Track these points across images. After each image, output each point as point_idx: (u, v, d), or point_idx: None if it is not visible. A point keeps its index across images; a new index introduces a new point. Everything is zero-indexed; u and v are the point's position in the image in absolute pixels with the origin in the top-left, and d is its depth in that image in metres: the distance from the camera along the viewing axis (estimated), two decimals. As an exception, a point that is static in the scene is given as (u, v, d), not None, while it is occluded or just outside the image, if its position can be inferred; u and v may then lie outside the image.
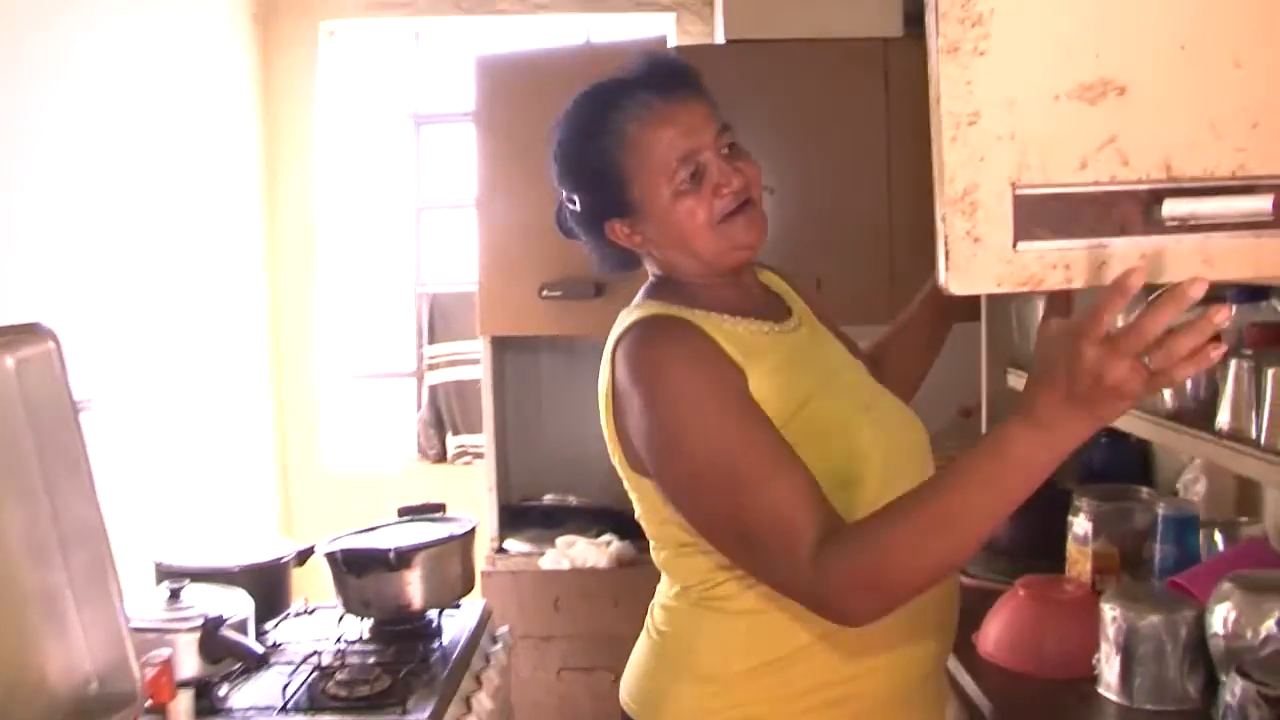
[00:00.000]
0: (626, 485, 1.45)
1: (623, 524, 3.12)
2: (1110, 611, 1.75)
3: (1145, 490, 2.22)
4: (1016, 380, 2.58)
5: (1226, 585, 1.65)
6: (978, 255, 0.95)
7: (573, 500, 3.28)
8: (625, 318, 1.43)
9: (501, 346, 3.13)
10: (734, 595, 1.37)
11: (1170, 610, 1.71)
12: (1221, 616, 1.63)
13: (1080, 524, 2.12)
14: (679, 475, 1.32)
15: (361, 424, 4.13)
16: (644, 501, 1.43)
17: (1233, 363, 1.66)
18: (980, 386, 2.73)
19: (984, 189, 0.95)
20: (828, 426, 1.36)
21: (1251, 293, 1.83)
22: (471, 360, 3.52)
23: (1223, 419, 1.67)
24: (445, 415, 3.62)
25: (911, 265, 2.86)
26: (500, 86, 2.94)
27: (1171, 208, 0.97)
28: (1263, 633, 1.59)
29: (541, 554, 2.97)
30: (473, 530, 2.32)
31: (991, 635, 1.96)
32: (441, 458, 3.75)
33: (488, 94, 2.95)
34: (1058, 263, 0.97)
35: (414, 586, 2.19)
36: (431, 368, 3.63)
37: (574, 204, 1.46)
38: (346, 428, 4.13)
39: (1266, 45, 1.01)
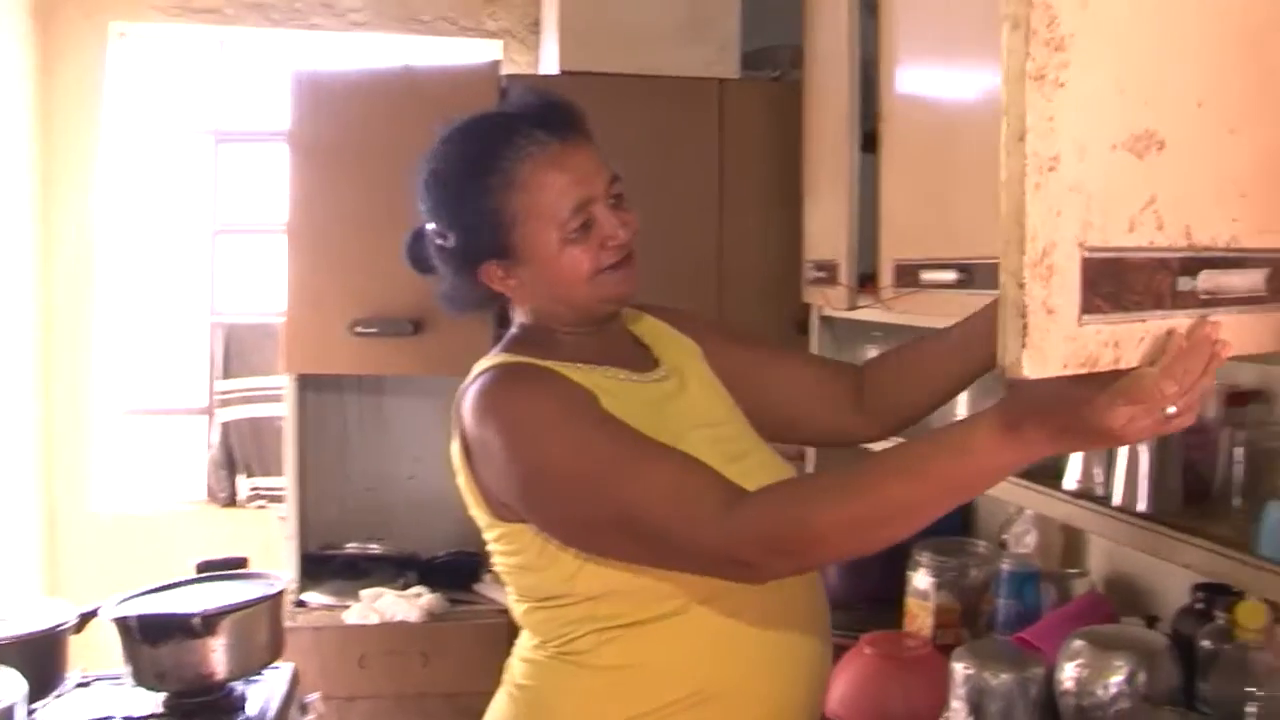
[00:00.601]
0: (491, 538, 1.37)
1: (431, 573, 2.96)
2: (962, 670, 1.74)
3: (982, 544, 2.24)
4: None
5: (1077, 643, 1.66)
6: (1050, 331, 0.82)
7: (377, 549, 3.09)
8: (474, 370, 1.38)
9: (303, 384, 2.92)
10: (592, 649, 1.32)
11: (1021, 668, 1.71)
12: (1071, 674, 1.64)
13: (921, 579, 2.11)
14: (557, 499, 1.27)
15: (142, 464, 3.78)
16: (512, 549, 1.35)
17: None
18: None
19: (1059, 249, 0.82)
20: None
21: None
22: (269, 397, 3.28)
23: (1070, 479, 1.67)
24: (238, 455, 3.35)
25: (739, 307, 2.85)
26: (318, 106, 2.75)
27: (1206, 280, 0.91)
28: (1111, 688, 1.60)
29: (346, 607, 2.76)
30: (282, 591, 2.11)
31: (837, 693, 1.92)
32: (231, 501, 3.47)
33: (304, 113, 2.75)
34: (1109, 340, 0.86)
35: (219, 654, 1.96)
36: (224, 404, 3.36)
37: (444, 240, 1.38)
38: (123, 468, 3.77)
39: (1255, 114, 0.97)
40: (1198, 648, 1.58)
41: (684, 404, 1.43)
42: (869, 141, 2.26)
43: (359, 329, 2.73)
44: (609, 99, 2.77)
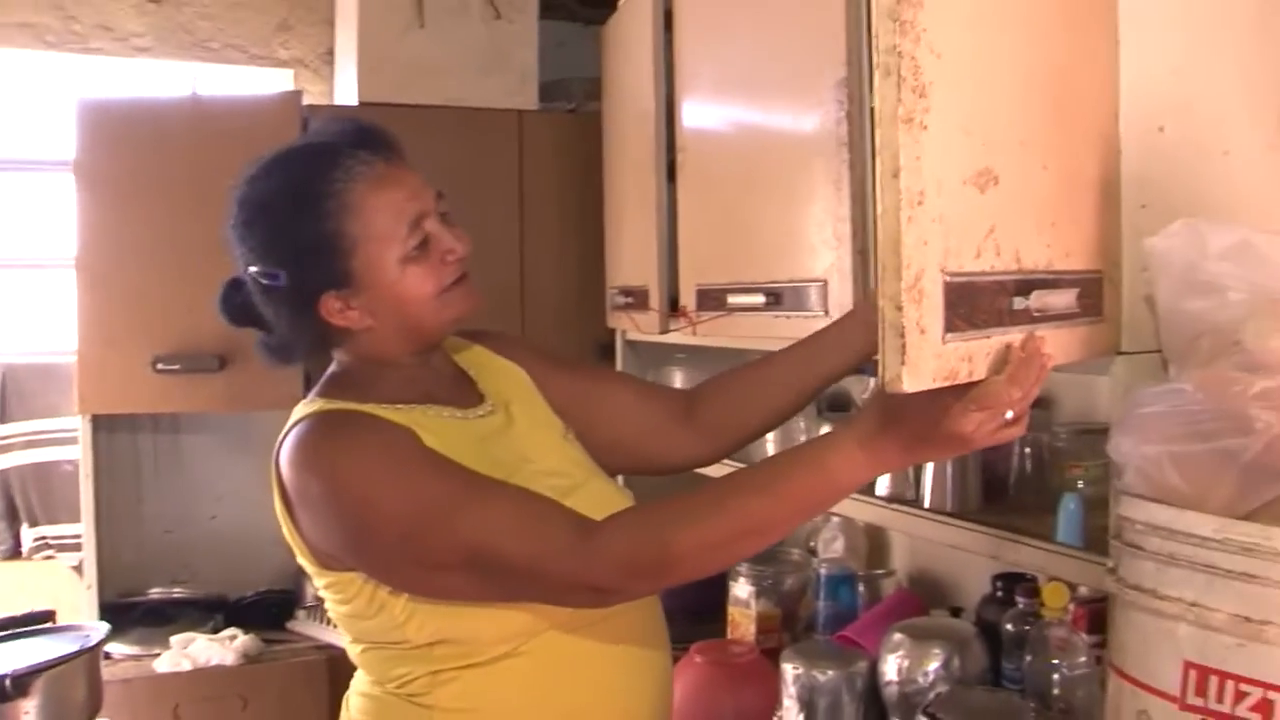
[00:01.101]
0: (320, 585, 1.35)
1: (241, 615, 2.88)
2: (792, 670, 1.85)
3: (795, 551, 2.37)
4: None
5: (896, 636, 1.80)
6: (922, 349, 0.91)
7: (181, 592, 2.98)
8: (291, 417, 1.33)
9: (95, 425, 2.79)
10: (430, 691, 1.31)
11: (846, 664, 1.84)
12: (895, 665, 1.78)
13: (741, 588, 2.22)
14: (389, 546, 1.24)
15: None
16: (341, 598, 1.32)
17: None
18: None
19: (928, 275, 0.91)
20: None
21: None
22: (54, 440, 3.10)
23: (882, 486, 1.82)
24: (20, 503, 3.14)
25: (542, 332, 2.91)
26: (105, 134, 2.65)
27: (1038, 299, 1.03)
28: (930, 675, 1.75)
29: (155, 655, 2.65)
30: (100, 644, 2.02)
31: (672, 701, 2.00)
32: (14, 553, 3.24)
33: (91, 142, 2.64)
34: (965, 355, 0.97)
35: (31, 716, 1.86)
36: (4, 449, 3.14)
37: (273, 280, 1.31)
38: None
39: (1058, 152, 1.11)
40: (1001, 632, 1.75)
41: (511, 439, 1.41)
42: (670, 171, 2.36)
43: (160, 366, 2.63)
44: (409, 130, 2.72)
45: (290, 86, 3.20)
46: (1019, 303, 1.02)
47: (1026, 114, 1.07)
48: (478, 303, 1.38)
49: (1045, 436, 1.78)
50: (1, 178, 3.49)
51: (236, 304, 1.37)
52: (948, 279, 0.93)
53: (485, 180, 2.92)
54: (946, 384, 0.95)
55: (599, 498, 1.39)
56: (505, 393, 1.47)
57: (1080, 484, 1.68)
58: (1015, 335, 1.02)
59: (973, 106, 0.98)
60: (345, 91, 2.97)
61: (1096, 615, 1.58)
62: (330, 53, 3.21)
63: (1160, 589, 1.05)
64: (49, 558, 3.14)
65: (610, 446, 1.53)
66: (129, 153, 2.64)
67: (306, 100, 2.83)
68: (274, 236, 1.31)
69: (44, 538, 3.13)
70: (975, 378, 0.98)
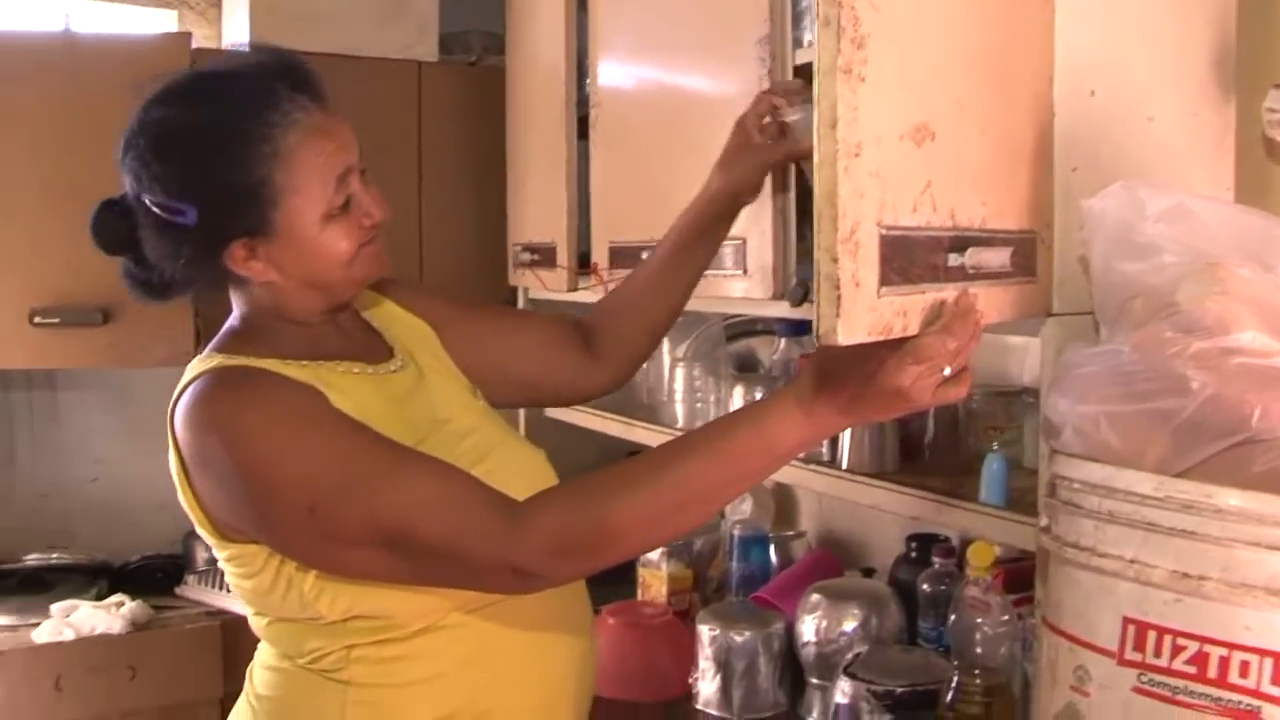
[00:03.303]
0: (222, 558, 1.26)
1: (125, 579, 2.76)
2: (708, 631, 1.85)
3: (705, 511, 2.36)
4: (555, 410, 2.62)
5: (814, 597, 1.81)
6: (857, 301, 0.90)
7: (61, 558, 2.84)
8: (187, 373, 1.24)
9: (-38, 385, 2.64)
10: (342, 667, 1.25)
11: (763, 625, 1.85)
12: (812, 625, 1.79)
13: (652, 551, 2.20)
14: (295, 518, 1.15)
15: None
16: (244, 572, 1.24)
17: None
18: (513, 416, 2.76)
19: (863, 228, 0.90)
20: None
21: (796, 326, 2.01)
22: (-83, 399, 2.92)
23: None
24: (-121, 466, 2.96)
25: (440, 285, 2.83)
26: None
27: (972, 256, 1.02)
28: (848, 634, 1.77)
29: (34, 625, 2.52)
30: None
31: (585, 665, 1.98)
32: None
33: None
34: (900, 310, 0.96)
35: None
36: None
37: (176, 215, 1.20)
38: None
39: (994, 114, 1.11)
40: (918, 592, 1.77)
41: (424, 397, 1.35)
42: (581, 127, 2.32)
43: (38, 319, 2.49)
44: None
45: (173, 28, 3.03)
46: (954, 259, 1.02)
47: (965, 73, 1.06)
48: (385, 266, 1.33)
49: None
50: None
51: (117, 230, 1.25)
52: (883, 232, 0.92)
53: (382, 134, 2.82)
54: (881, 338, 0.94)
55: (516, 458, 1.37)
56: (412, 347, 1.42)
57: (996, 446, 1.70)
58: (950, 292, 1.01)
59: (911, 62, 0.97)
60: (235, 35, 2.84)
61: (1014, 575, 1.61)
62: (218, -6, 3.06)
63: (1099, 546, 1.06)
64: (-88, 523, 2.96)
65: (517, 383, 1.52)
66: None
67: (195, 44, 2.69)
68: (191, 172, 1.21)
69: (-93, 503, 2.95)
70: (910, 333, 0.97)
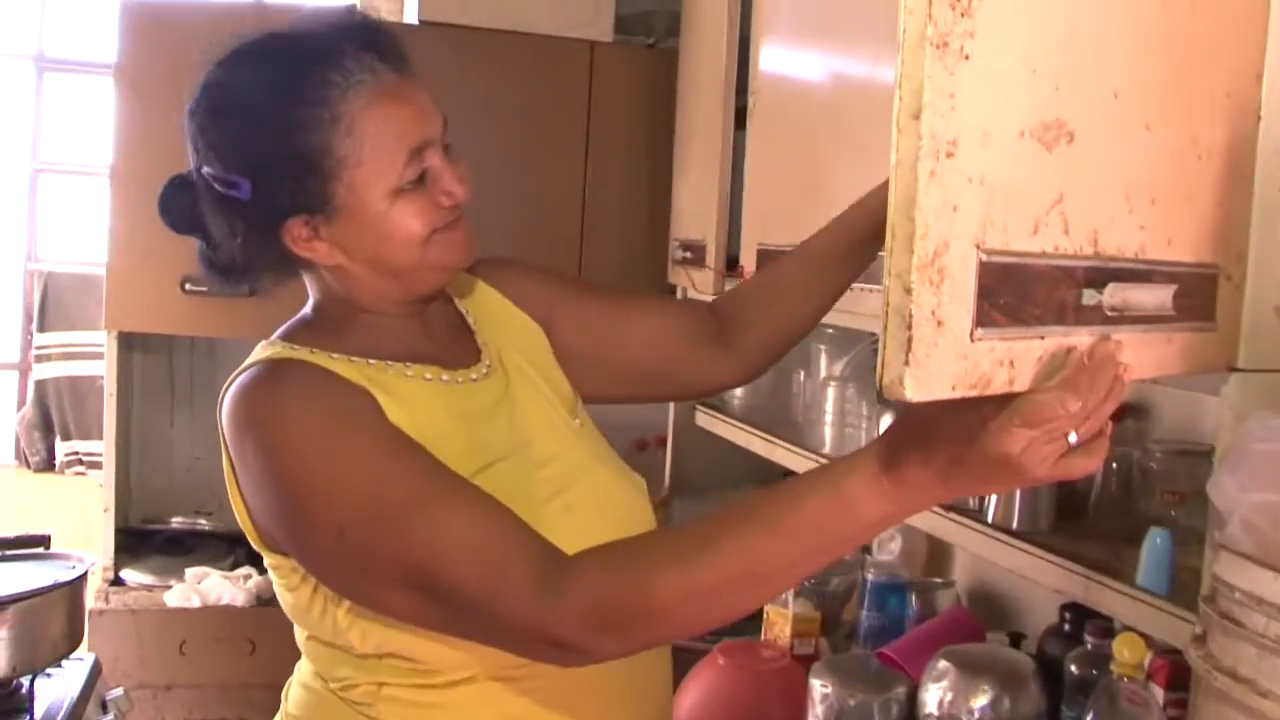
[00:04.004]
0: (267, 563, 1.15)
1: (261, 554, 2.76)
2: (820, 687, 1.66)
3: (845, 547, 2.16)
4: (705, 418, 2.48)
5: (942, 664, 1.58)
6: (939, 346, 0.69)
7: (204, 524, 2.87)
8: (248, 359, 1.13)
9: (129, 343, 2.69)
10: (372, 703, 1.12)
11: (882, 688, 1.64)
12: (936, 696, 1.57)
13: (780, 583, 2.01)
14: (323, 541, 1.02)
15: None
16: (283, 584, 1.13)
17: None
18: (663, 419, 2.63)
19: (954, 250, 0.69)
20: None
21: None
22: (90, 354, 3.01)
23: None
24: (55, 416, 3.08)
25: (599, 278, 2.71)
26: (149, 38, 2.50)
27: (1113, 295, 0.79)
28: (976, 713, 1.54)
29: (167, 587, 2.56)
30: (84, 575, 1.90)
31: (686, 705, 1.82)
32: (48, 465, 3.19)
33: (133, 45, 2.50)
34: (1005, 358, 0.74)
35: (-1, 648, 1.75)
36: (40, 359, 3.07)
37: (232, 189, 1.09)
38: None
39: (1168, 110, 0.86)
40: (1065, 672, 1.52)
41: (506, 413, 1.20)
42: (740, 118, 2.16)
43: (189, 286, 2.49)
44: (471, 54, 2.62)
45: (357, 3, 3.02)
46: (1090, 296, 0.78)
47: (1126, 57, 0.82)
48: (470, 254, 1.17)
49: (1137, 453, 1.53)
50: (55, 79, 3.41)
51: (182, 207, 1.16)
52: (985, 258, 0.71)
53: (549, 115, 2.73)
54: (974, 393, 0.73)
55: (604, 490, 1.20)
56: (507, 350, 1.26)
57: (1174, 514, 1.44)
58: (1083, 338, 0.78)
59: (1045, 37, 0.74)
60: (410, 9, 2.79)
61: (1180, 670, 1.34)
62: (402, -31, 3.02)
63: (1260, 681, 0.82)
64: (80, 474, 3.07)
65: (646, 376, 1.37)
66: (173, 59, 2.42)
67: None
68: (244, 138, 1.10)
69: (76, 453, 3.07)
70: (1018, 388, 0.75)
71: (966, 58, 0.69)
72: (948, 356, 0.70)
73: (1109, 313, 0.80)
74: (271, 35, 1.13)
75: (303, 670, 1.23)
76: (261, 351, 1.13)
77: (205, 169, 1.11)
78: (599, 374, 1.34)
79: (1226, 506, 0.91)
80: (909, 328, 0.68)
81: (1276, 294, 1.00)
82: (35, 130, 3.48)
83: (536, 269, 1.38)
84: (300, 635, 1.20)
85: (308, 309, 1.21)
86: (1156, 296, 0.85)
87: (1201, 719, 0.91)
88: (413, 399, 1.11)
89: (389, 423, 1.06)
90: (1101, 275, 0.80)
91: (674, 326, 1.38)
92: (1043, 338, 0.77)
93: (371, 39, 1.11)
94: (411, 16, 2.83)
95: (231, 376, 1.11)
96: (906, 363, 0.68)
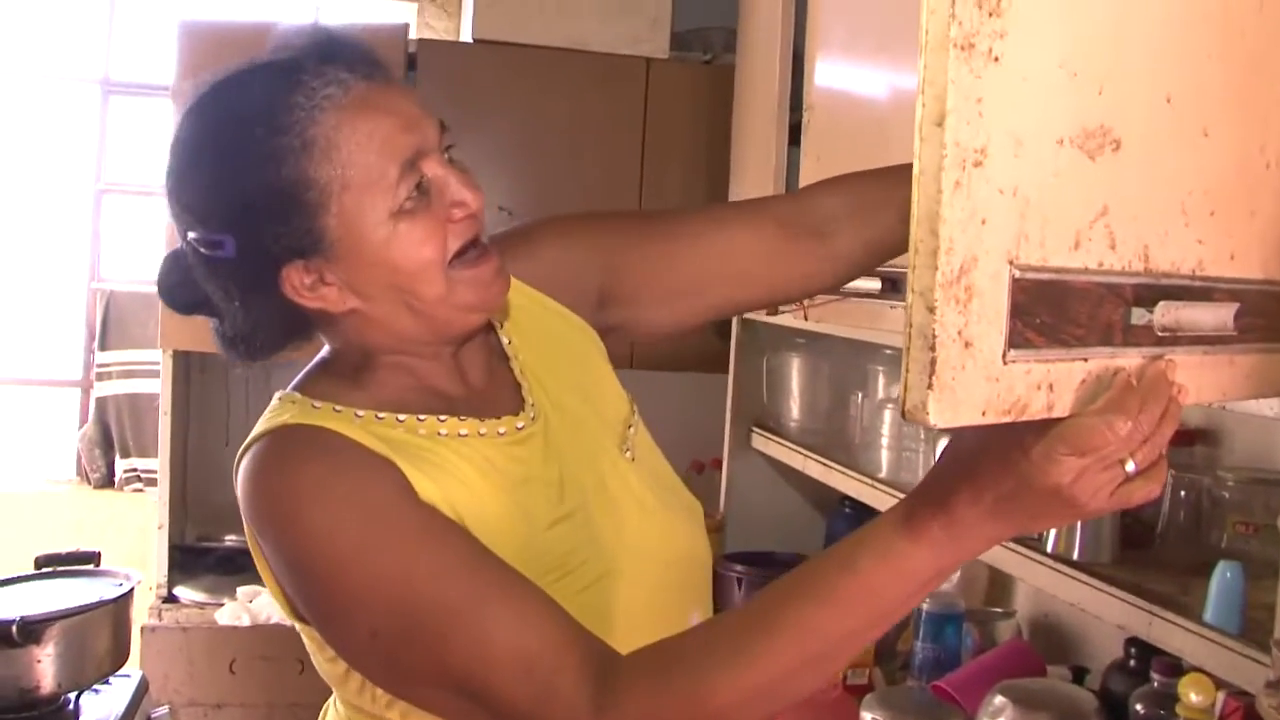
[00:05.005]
0: (299, 629, 1.06)
1: (318, 570, 2.75)
2: (872, 721, 1.59)
3: (900, 574, 2.10)
4: (760, 440, 2.44)
5: (999, 699, 1.52)
6: (967, 369, 0.65)
7: (259, 541, 2.87)
8: (263, 418, 1.03)
9: (185, 361, 2.70)
10: None
11: (935, 723, 1.57)
12: (993, 734, 1.49)
13: (833, 611, 1.95)
14: (355, 639, 0.95)
15: (7, 437, 3.50)
16: (324, 656, 1.03)
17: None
18: (720, 441, 2.58)
19: (983, 266, 0.65)
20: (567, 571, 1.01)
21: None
22: (150, 372, 3.04)
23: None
24: (115, 433, 3.11)
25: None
26: (207, 59, 2.42)
27: (1164, 314, 0.72)
28: (1033, 751, 1.46)
29: (219, 605, 2.55)
30: (130, 592, 1.90)
31: (735, 736, 1.76)
32: (108, 482, 3.22)
33: (191, 66, 2.51)
34: (1043, 382, 0.69)
35: (45, 665, 1.74)
36: (102, 377, 3.11)
37: (217, 249, 0.96)
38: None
39: (1230, 113, 0.80)
40: (1130, 712, 1.45)
41: (552, 473, 1.07)
42: (794, 134, 2.12)
43: (239, 304, 2.50)
44: (526, 72, 2.61)
45: (413, 20, 3.03)
46: (1139, 315, 0.72)
47: (1181, 59, 0.76)
48: (504, 289, 1.03)
49: (1207, 480, 1.46)
50: (119, 101, 3.46)
51: (178, 284, 1.03)
52: (1019, 274, 0.66)
53: (604, 133, 2.70)
54: (1008, 419, 0.67)
55: (657, 539, 1.10)
56: (550, 379, 1.14)
57: (1246, 546, 1.37)
58: (1132, 359, 0.73)
59: (1088, 37, 0.68)
60: (465, 28, 2.79)
61: (1256, 715, 1.27)
62: (460, -13, 3.03)
63: (1339, 734, 0.76)
64: (138, 490, 3.09)
65: (728, 294, 1.23)
66: None
67: (421, 34, 2.65)
68: (214, 189, 0.97)
69: (135, 469, 3.09)
70: (1058, 414, 0.70)
71: (996, 60, 0.63)
72: (977, 380, 0.65)
73: (1160, 333, 0.74)
74: (227, 75, 1.02)
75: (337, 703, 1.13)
76: (278, 413, 1.02)
77: (190, 235, 0.99)
78: (682, 304, 1.22)
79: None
80: (932, 349, 0.63)
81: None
82: (100, 151, 3.54)
83: (576, 227, 1.23)
84: (339, 693, 1.10)
85: (325, 352, 1.08)
86: (1216, 316, 0.78)
87: (1274, 771, 0.84)
88: (446, 469, 1.00)
89: (419, 504, 0.96)
90: (1152, 293, 0.74)
91: (753, 231, 1.22)
92: (1086, 360, 0.71)
93: (331, 50, 0.99)
94: (466, 35, 2.83)
95: (246, 442, 1.01)
96: (930, 386, 0.63)
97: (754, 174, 2.29)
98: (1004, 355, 0.66)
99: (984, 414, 0.66)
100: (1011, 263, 0.65)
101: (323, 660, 1.04)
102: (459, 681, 0.92)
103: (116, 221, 3.44)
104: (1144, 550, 1.45)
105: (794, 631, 0.84)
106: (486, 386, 1.09)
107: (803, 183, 2.00)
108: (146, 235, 3.22)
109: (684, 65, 2.78)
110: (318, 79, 0.95)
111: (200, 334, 2.59)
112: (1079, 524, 1.40)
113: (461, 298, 0.99)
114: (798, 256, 1.21)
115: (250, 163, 0.94)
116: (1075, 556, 1.40)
